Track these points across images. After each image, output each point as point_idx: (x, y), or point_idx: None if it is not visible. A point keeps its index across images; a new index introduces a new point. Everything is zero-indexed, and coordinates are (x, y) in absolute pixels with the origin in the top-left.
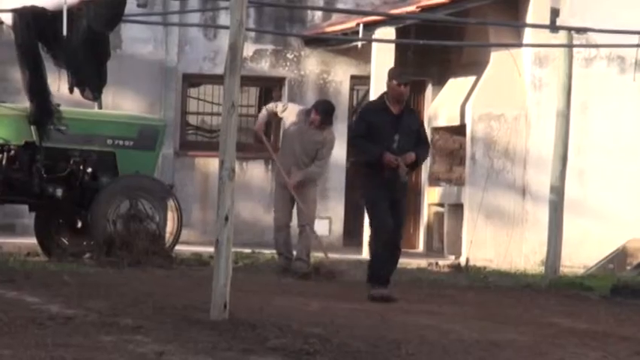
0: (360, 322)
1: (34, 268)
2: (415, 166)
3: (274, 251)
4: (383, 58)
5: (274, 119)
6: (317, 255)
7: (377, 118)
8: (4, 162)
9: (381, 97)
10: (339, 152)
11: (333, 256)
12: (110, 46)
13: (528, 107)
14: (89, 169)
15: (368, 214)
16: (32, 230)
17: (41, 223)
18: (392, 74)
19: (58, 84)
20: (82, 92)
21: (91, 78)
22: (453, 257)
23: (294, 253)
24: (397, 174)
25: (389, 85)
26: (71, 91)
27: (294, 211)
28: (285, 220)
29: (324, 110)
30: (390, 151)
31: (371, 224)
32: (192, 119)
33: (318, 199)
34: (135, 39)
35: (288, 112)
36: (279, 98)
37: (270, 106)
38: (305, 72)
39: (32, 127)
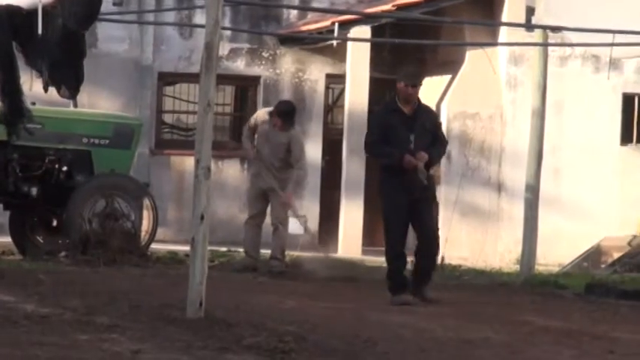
0: (335, 320)
1: (8, 266)
2: (430, 165)
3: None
4: (358, 56)
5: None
6: (292, 253)
7: (390, 120)
8: None
9: (393, 98)
10: (315, 151)
11: (306, 254)
12: (86, 45)
13: (503, 106)
14: (64, 168)
15: (383, 222)
16: (7, 229)
17: (16, 221)
18: (400, 75)
19: (31, 83)
20: (59, 90)
21: (67, 76)
22: None
23: (270, 251)
24: (416, 176)
25: (398, 87)
26: (45, 90)
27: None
28: (256, 220)
29: (284, 112)
30: (407, 152)
31: (384, 234)
32: (168, 118)
33: (294, 198)
34: (110, 37)
35: (259, 119)
36: (254, 98)
37: (245, 129)
38: (280, 71)
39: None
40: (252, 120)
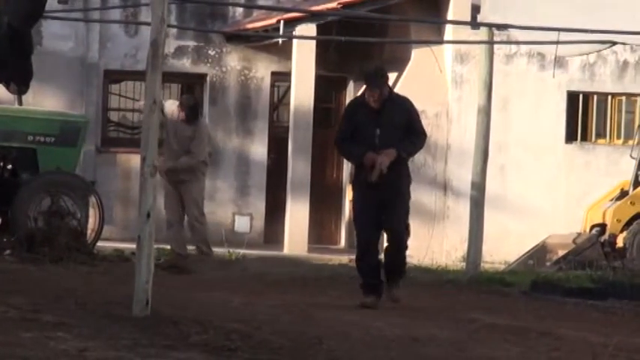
0: (281, 318)
1: None
2: (402, 157)
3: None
4: (304, 54)
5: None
6: (239, 251)
7: (357, 114)
8: None
9: (363, 92)
10: (260, 149)
11: (253, 252)
12: (33, 41)
13: (449, 103)
14: (9, 166)
15: (353, 221)
16: None
17: None
18: (364, 76)
19: None
20: (8, 87)
21: (16, 73)
22: None
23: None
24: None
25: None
26: None
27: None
28: (174, 217)
29: (187, 106)
30: (372, 147)
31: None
32: (114, 116)
33: (239, 196)
34: (56, 35)
35: (166, 110)
36: (200, 96)
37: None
38: (226, 68)
39: None
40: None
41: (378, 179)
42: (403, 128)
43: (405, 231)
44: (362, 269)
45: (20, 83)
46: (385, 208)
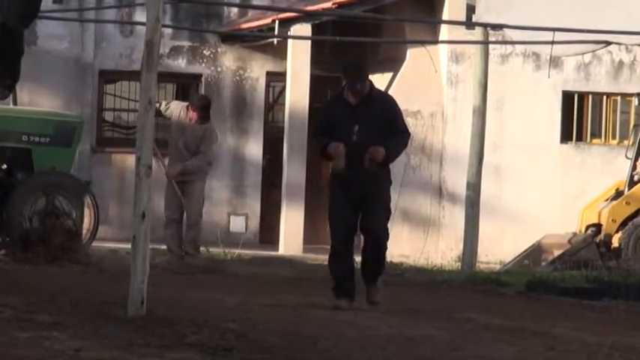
0: (276, 317)
1: None
2: (388, 160)
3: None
4: (299, 54)
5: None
6: (234, 251)
7: (336, 110)
8: None
9: (342, 87)
10: (255, 149)
11: (248, 252)
12: (24, 42)
13: (445, 103)
14: (4, 166)
15: (328, 220)
16: None
17: None
18: (343, 73)
19: None
20: None
21: (2, 74)
22: None
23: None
24: (357, 169)
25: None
26: None
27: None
28: (174, 215)
29: (200, 106)
30: (350, 143)
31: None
32: (109, 116)
33: (234, 196)
34: (51, 35)
35: (172, 110)
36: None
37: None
38: (222, 68)
39: None
40: (163, 109)
41: (343, 170)
42: (384, 126)
43: (385, 232)
44: (334, 270)
45: (5, 85)
46: (363, 210)
